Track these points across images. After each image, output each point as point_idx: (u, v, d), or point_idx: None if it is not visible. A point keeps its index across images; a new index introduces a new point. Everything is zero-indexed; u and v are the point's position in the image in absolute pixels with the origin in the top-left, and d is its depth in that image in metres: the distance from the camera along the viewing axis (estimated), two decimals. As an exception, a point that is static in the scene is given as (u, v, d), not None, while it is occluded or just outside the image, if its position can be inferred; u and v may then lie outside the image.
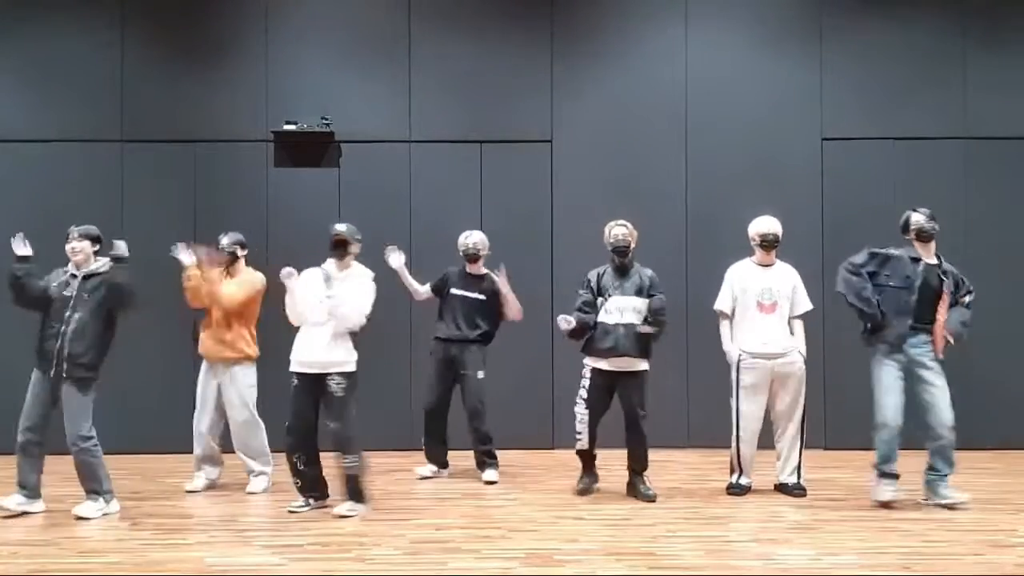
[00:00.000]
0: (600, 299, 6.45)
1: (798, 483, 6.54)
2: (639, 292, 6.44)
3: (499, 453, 7.50)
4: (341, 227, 6.21)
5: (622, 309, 6.39)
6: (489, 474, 7.06)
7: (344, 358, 6.01)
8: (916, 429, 6.18)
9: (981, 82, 8.47)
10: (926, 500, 6.22)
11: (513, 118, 8.52)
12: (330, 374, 5.98)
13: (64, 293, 6.02)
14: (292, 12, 8.53)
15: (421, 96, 8.52)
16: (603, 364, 6.42)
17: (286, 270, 6.09)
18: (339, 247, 6.15)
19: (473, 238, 7.23)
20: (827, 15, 8.52)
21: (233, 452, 6.90)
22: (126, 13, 8.46)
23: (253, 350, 6.84)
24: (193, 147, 8.44)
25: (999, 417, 8.25)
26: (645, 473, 6.53)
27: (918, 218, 6.25)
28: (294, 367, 6.07)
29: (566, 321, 6.38)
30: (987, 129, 8.44)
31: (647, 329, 6.36)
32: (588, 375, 6.49)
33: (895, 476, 6.23)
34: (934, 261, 6.26)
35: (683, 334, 8.11)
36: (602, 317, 6.41)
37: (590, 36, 8.57)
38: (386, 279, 7.40)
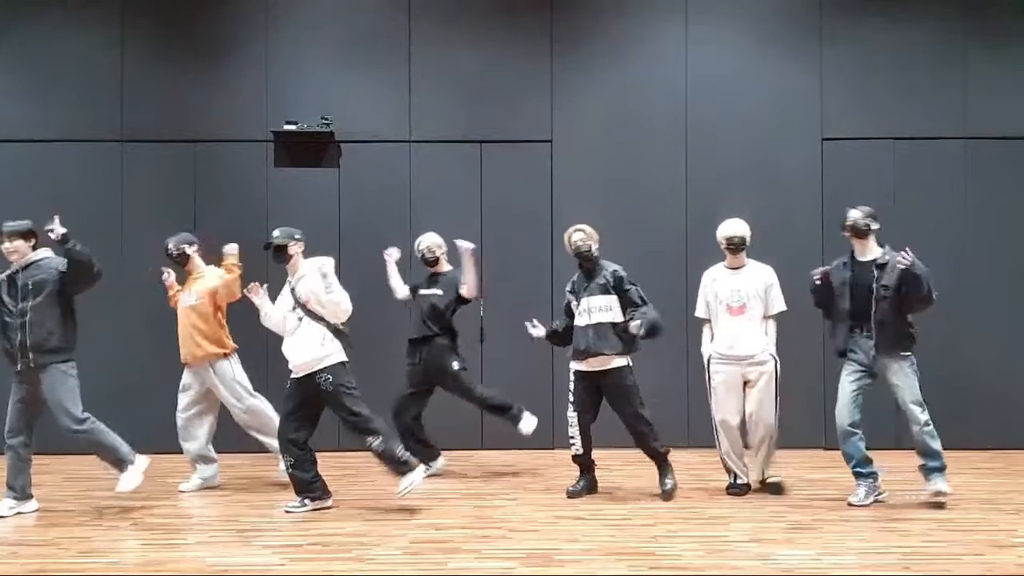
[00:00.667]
0: (576, 304, 6.58)
1: (765, 479, 6.63)
2: (605, 291, 6.48)
3: (499, 453, 7.54)
4: (275, 232, 6.21)
5: (590, 310, 6.46)
6: (525, 425, 7.15)
7: (322, 354, 6.03)
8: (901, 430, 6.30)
9: (981, 82, 8.46)
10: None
11: (513, 118, 8.52)
12: (315, 373, 6.02)
13: (15, 288, 5.97)
14: (292, 12, 8.53)
15: (421, 96, 8.52)
16: (582, 366, 6.50)
17: (252, 286, 6.17)
18: (278, 253, 6.16)
19: (424, 243, 7.29)
20: (827, 15, 8.52)
21: (232, 452, 6.92)
22: (126, 13, 8.46)
23: (229, 345, 6.88)
24: (193, 147, 8.44)
25: (999, 417, 8.25)
26: (667, 465, 6.58)
27: (854, 215, 6.25)
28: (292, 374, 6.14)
29: (532, 326, 6.67)
30: (987, 129, 8.43)
31: (635, 328, 6.32)
32: (572, 378, 6.57)
33: (866, 475, 6.28)
34: (867, 258, 6.22)
35: (683, 334, 8.10)
36: (576, 320, 6.54)
37: (590, 36, 8.57)
38: (382, 279, 7.42)
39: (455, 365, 7.10)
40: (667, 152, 8.49)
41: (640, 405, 6.46)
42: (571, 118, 8.53)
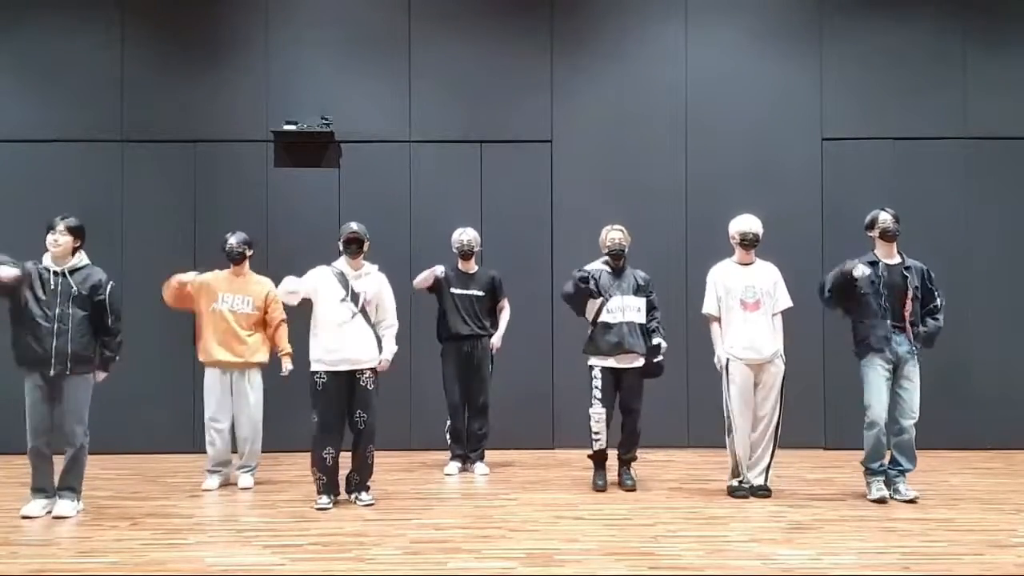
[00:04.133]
0: (600, 299, 6.67)
1: (764, 485, 6.50)
2: (637, 291, 6.73)
3: (499, 453, 7.55)
4: (355, 226, 6.30)
5: (623, 308, 6.67)
6: (482, 466, 7.32)
7: (374, 354, 6.23)
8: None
9: (981, 82, 8.47)
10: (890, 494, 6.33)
11: (513, 118, 8.52)
12: (361, 370, 6.18)
13: (49, 289, 5.89)
14: (292, 12, 8.53)
15: (421, 96, 8.52)
16: (611, 362, 6.65)
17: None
18: (357, 246, 6.26)
19: (468, 235, 7.43)
20: (827, 15, 8.52)
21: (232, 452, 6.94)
22: (126, 13, 8.47)
23: (267, 356, 6.95)
24: (193, 147, 8.45)
25: (999, 417, 8.26)
26: (633, 464, 6.80)
27: (885, 217, 6.39)
28: (321, 367, 6.14)
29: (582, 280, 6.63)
30: (987, 129, 8.44)
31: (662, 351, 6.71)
32: (599, 375, 6.64)
33: (886, 472, 6.34)
34: (895, 261, 6.39)
35: (683, 334, 8.10)
36: (604, 317, 6.66)
37: (590, 36, 8.58)
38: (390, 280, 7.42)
39: (490, 368, 7.33)
40: (667, 152, 8.49)
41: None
42: (571, 118, 8.53)
